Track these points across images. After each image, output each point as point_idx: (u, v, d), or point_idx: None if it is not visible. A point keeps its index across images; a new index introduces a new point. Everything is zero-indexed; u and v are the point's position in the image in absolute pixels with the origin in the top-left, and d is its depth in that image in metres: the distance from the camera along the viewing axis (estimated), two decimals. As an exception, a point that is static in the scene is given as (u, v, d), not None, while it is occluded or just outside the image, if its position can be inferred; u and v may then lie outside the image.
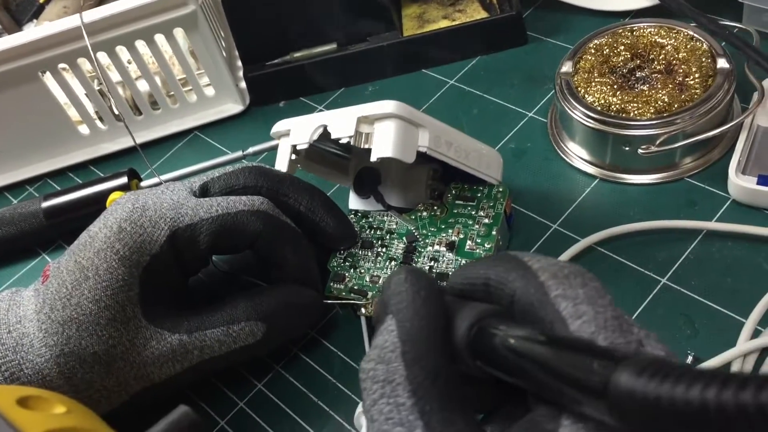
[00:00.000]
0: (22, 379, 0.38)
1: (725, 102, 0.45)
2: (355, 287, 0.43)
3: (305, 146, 0.44)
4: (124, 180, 0.55)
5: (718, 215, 0.44)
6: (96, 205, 0.54)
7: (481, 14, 0.59)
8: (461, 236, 0.43)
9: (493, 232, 0.42)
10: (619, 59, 0.49)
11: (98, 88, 0.60)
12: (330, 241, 0.45)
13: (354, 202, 0.48)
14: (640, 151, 0.45)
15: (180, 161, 0.60)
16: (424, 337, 0.23)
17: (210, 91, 0.62)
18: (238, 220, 0.41)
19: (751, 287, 0.41)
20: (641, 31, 0.50)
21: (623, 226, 0.45)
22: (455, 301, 0.25)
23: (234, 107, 0.62)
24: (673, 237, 0.44)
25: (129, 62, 0.59)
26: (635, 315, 0.41)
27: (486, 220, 0.43)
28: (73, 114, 0.61)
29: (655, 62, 0.48)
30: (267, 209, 0.42)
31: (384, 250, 0.44)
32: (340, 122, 0.42)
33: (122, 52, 0.58)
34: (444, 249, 0.43)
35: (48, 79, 0.59)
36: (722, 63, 0.46)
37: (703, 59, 0.47)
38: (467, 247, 0.42)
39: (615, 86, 0.47)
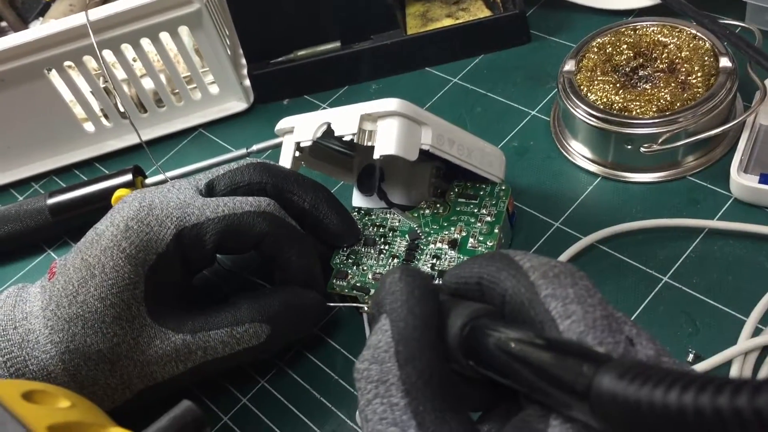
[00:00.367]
0: (27, 375, 0.39)
1: (727, 101, 0.45)
2: (358, 284, 0.44)
3: (309, 143, 0.44)
4: (128, 177, 0.55)
5: (719, 214, 0.44)
6: (101, 202, 0.55)
7: (485, 13, 0.59)
8: (463, 234, 0.43)
9: (495, 231, 0.42)
10: (621, 58, 0.49)
11: (104, 85, 0.61)
12: (333, 238, 0.45)
13: (357, 200, 0.49)
14: (642, 149, 0.45)
15: (184, 159, 0.61)
16: (417, 337, 0.24)
17: (214, 89, 0.62)
18: (245, 220, 0.41)
19: (753, 286, 0.41)
20: (644, 29, 0.50)
21: (625, 224, 0.45)
22: (449, 300, 0.26)
23: (238, 105, 0.62)
24: (674, 235, 0.44)
25: (134, 60, 0.60)
26: (636, 312, 0.41)
27: (488, 219, 0.43)
28: (78, 111, 0.62)
29: (658, 61, 0.48)
30: (273, 210, 0.42)
31: (387, 247, 0.45)
32: (343, 120, 0.42)
33: (127, 50, 0.58)
34: (446, 247, 0.43)
35: (54, 76, 0.59)
36: (725, 62, 0.46)
37: (706, 58, 0.47)
38: (469, 245, 0.43)
39: (617, 85, 0.47)
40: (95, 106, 0.62)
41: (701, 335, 0.40)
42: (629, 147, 0.46)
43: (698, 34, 0.48)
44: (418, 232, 0.44)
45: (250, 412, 0.44)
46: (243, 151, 0.55)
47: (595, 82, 0.48)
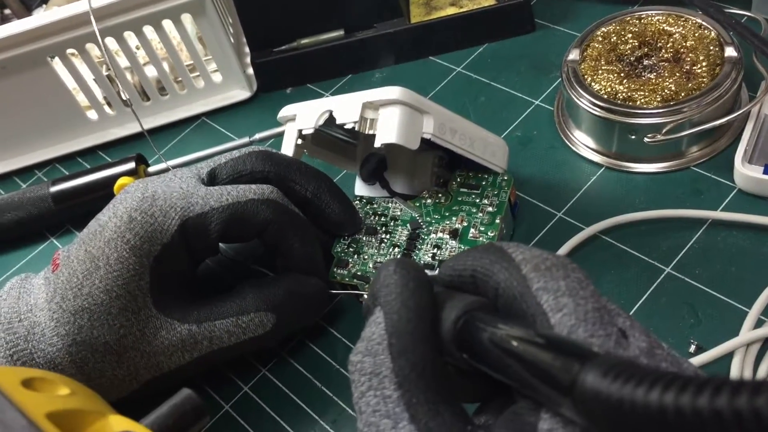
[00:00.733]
0: (33, 368, 0.39)
1: (732, 91, 0.45)
2: (359, 273, 0.44)
3: (311, 131, 0.44)
4: (131, 165, 0.55)
5: (723, 204, 0.44)
6: (104, 190, 0.55)
7: (489, 1, 0.59)
8: (465, 224, 0.43)
9: (497, 221, 0.42)
10: (626, 47, 0.49)
11: (107, 73, 0.61)
12: (335, 227, 0.45)
13: (360, 188, 0.48)
14: (646, 139, 0.45)
15: (187, 147, 0.61)
16: (411, 330, 0.24)
17: (217, 78, 0.62)
18: (248, 209, 0.41)
19: (756, 277, 0.40)
20: (649, 18, 0.49)
21: (628, 214, 0.45)
22: (444, 293, 0.26)
23: (241, 93, 0.62)
24: (678, 226, 0.44)
25: (137, 48, 0.59)
26: (639, 303, 0.41)
27: (490, 209, 0.43)
28: (81, 99, 0.62)
29: (663, 50, 0.48)
30: (276, 198, 0.42)
31: (388, 236, 0.44)
32: (345, 108, 0.42)
33: (130, 37, 0.58)
34: (447, 237, 0.43)
35: (57, 64, 0.59)
36: (730, 51, 0.46)
37: (711, 48, 0.47)
38: (470, 235, 0.42)
39: (622, 74, 0.47)
40: (98, 94, 0.62)
41: (703, 326, 0.40)
42: (633, 137, 0.46)
43: (704, 23, 0.48)
44: (420, 221, 0.44)
45: (252, 400, 0.44)
46: (246, 139, 0.55)
47: (600, 72, 0.48)
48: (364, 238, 0.45)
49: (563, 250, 0.44)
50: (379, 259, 0.44)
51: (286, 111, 0.46)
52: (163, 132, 0.62)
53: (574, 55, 0.49)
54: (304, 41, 0.60)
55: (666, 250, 0.43)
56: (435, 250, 0.43)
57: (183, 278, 0.42)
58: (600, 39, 0.50)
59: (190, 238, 0.40)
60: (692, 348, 0.39)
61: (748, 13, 0.49)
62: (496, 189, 0.44)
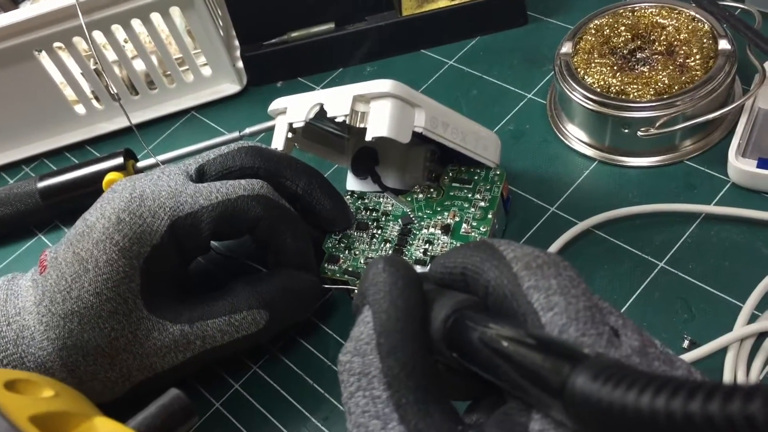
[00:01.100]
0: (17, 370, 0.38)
1: (726, 84, 0.45)
2: (350, 269, 0.43)
3: (301, 124, 0.43)
4: (120, 160, 0.54)
5: (717, 198, 0.44)
6: (92, 186, 0.54)
7: (481, -6, 0.58)
8: (457, 219, 0.43)
9: (489, 216, 0.42)
10: (619, 40, 0.48)
11: (94, 67, 0.60)
12: (326, 223, 0.45)
13: (351, 183, 0.48)
14: (639, 133, 0.45)
15: (177, 141, 0.60)
16: (399, 329, 0.23)
17: (207, 71, 0.61)
18: (239, 205, 0.40)
19: (749, 271, 0.40)
20: (642, 11, 0.49)
21: (621, 209, 0.44)
22: (434, 291, 0.25)
23: (231, 87, 0.62)
24: (671, 220, 0.44)
25: (125, 41, 0.59)
26: (632, 299, 0.41)
27: (482, 204, 0.43)
28: (69, 93, 0.61)
29: (656, 43, 0.48)
30: (267, 193, 0.41)
31: (379, 231, 0.44)
32: (336, 101, 0.42)
33: (118, 31, 0.57)
34: (439, 232, 0.42)
35: (44, 57, 0.58)
36: (723, 44, 0.46)
37: (705, 40, 0.46)
38: (462, 230, 0.42)
39: (615, 67, 0.47)
40: (86, 88, 0.61)
41: (697, 321, 0.39)
42: (626, 131, 0.45)
43: (697, 15, 0.48)
44: (411, 216, 0.44)
45: (243, 398, 0.43)
46: (236, 134, 0.54)
47: (593, 65, 0.47)
48: (355, 234, 0.44)
49: (556, 245, 0.44)
50: (370, 255, 0.43)
51: (276, 104, 0.46)
52: (152, 126, 0.62)
53: (566, 48, 0.49)
54: (295, 34, 0.60)
55: (659, 245, 0.43)
56: (427, 246, 0.42)
57: (174, 278, 0.41)
58: (593, 32, 0.49)
59: (181, 238, 0.40)
60: (686, 343, 0.39)
61: (742, 6, 0.49)
62: (488, 184, 0.43)
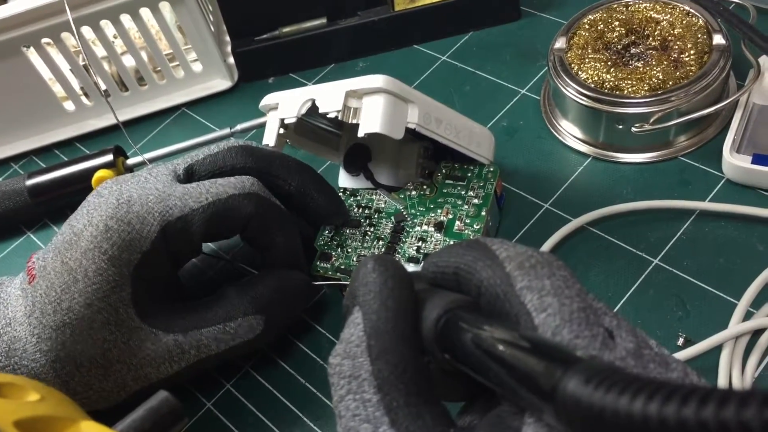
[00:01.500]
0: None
1: (721, 79, 0.44)
2: (342, 267, 0.43)
3: (293, 120, 0.43)
4: (109, 157, 0.54)
5: (711, 195, 0.44)
6: (82, 183, 0.53)
7: (474, -12, 0.58)
8: (450, 217, 0.42)
9: (483, 213, 0.42)
10: (613, 35, 0.48)
11: (83, 63, 0.59)
12: (321, 219, 0.44)
13: (344, 180, 0.48)
14: (633, 129, 0.44)
15: (167, 138, 0.59)
16: (389, 330, 0.23)
17: (197, 67, 0.60)
18: (230, 205, 0.39)
19: (744, 268, 0.40)
20: (636, 6, 0.49)
21: (616, 205, 0.44)
22: (426, 291, 0.25)
23: (222, 83, 0.61)
24: (666, 217, 0.43)
25: (115, 37, 0.58)
26: (626, 296, 0.41)
27: (475, 201, 0.42)
28: (57, 90, 0.60)
29: (650, 38, 0.47)
30: (258, 191, 0.40)
31: (372, 229, 0.44)
32: (328, 96, 0.41)
33: (107, 26, 0.56)
34: (432, 229, 0.42)
35: (32, 54, 0.58)
36: (718, 39, 0.45)
37: (699, 35, 0.46)
38: (456, 227, 0.42)
39: (609, 63, 0.46)
40: (75, 84, 0.60)
41: (691, 319, 0.39)
42: (620, 127, 0.45)
43: (691, 10, 0.47)
44: (404, 214, 0.43)
45: (235, 398, 0.43)
46: (227, 130, 0.54)
47: (586, 60, 0.47)
48: (347, 231, 0.44)
49: (550, 242, 0.43)
50: (362, 252, 0.43)
51: (268, 99, 0.45)
52: (142, 123, 0.61)
53: (560, 43, 0.49)
54: (286, 29, 0.59)
55: (654, 242, 0.43)
56: (420, 243, 0.42)
57: (166, 283, 0.41)
58: (587, 27, 0.49)
59: (172, 243, 0.39)
60: (680, 341, 0.38)
61: (736, 0, 0.49)
62: (481, 181, 0.43)
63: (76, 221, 0.39)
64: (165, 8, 0.56)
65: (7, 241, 0.56)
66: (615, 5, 0.49)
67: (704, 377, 0.22)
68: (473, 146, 0.43)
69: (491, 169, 0.43)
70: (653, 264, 0.42)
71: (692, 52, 0.45)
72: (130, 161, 0.55)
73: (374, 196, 0.45)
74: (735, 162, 0.43)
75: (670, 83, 0.44)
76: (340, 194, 0.46)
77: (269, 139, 0.44)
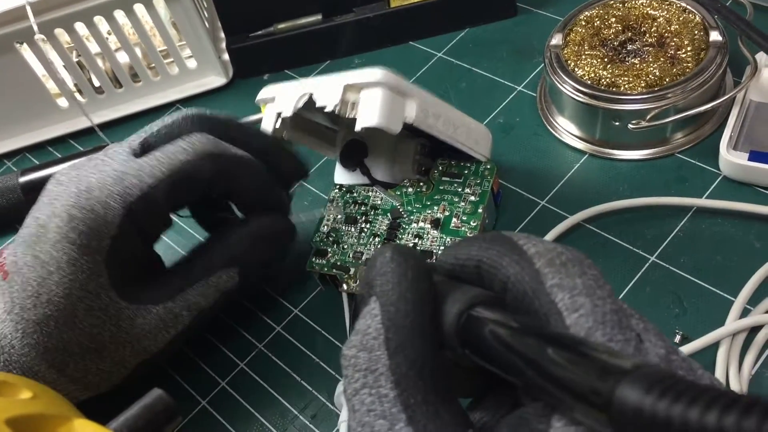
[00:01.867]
0: None
1: (717, 76, 0.44)
2: (338, 263, 0.43)
3: (289, 114, 0.43)
4: (103, 154, 0.53)
5: (708, 192, 0.44)
6: (75, 180, 0.53)
7: (470, -15, 0.57)
8: (447, 214, 0.42)
9: (479, 210, 0.41)
10: (610, 31, 0.48)
11: (77, 60, 0.59)
12: (284, 177, 0.44)
13: (340, 176, 0.47)
14: (630, 126, 0.44)
15: (162, 135, 0.59)
16: (409, 323, 0.22)
17: (192, 63, 0.60)
18: (187, 170, 0.38)
19: (741, 265, 0.40)
20: (633, 2, 0.48)
21: (612, 202, 0.44)
22: (445, 283, 0.24)
23: (217, 80, 0.61)
24: (662, 214, 0.43)
25: (109, 33, 0.58)
26: (623, 293, 0.41)
27: (472, 198, 0.42)
28: (51, 86, 0.60)
29: (647, 35, 0.47)
30: (211, 148, 0.40)
31: (368, 226, 0.43)
32: (326, 90, 0.41)
33: (101, 22, 0.56)
34: (429, 226, 0.42)
35: (25, 50, 0.57)
36: (715, 36, 0.45)
37: (696, 32, 0.46)
38: (452, 224, 0.41)
39: (605, 59, 0.46)
40: (69, 81, 0.60)
41: (688, 316, 0.39)
42: (617, 123, 0.45)
43: (688, 7, 0.47)
44: (401, 210, 0.43)
45: (229, 395, 0.43)
46: (221, 127, 0.54)
47: (583, 57, 0.47)
48: (343, 228, 0.44)
49: (546, 240, 0.43)
50: (358, 249, 0.43)
51: (265, 93, 0.45)
52: (136, 120, 0.61)
53: (556, 39, 0.48)
54: (281, 26, 0.59)
55: (650, 239, 0.42)
56: (416, 240, 0.42)
57: (143, 259, 0.40)
58: (583, 23, 0.49)
59: (139, 222, 0.38)
60: (677, 338, 0.38)
61: (733, -3, 0.48)
62: (478, 178, 0.43)
63: (39, 213, 0.38)
64: (159, 4, 0.56)
65: (0, 239, 0.56)
66: (611, 2, 0.49)
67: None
68: (471, 143, 0.43)
69: (488, 167, 0.43)
70: (650, 261, 0.42)
71: (689, 48, 0.45)
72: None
73: (370, 193, 0.45)
74: (732, 159, 0.43)
75: (667, 80, 0.44)
76: (336, 191, 0.46)
77: (266, 130, 0.44)
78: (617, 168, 0.46)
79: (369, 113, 0.39)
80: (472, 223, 0.41)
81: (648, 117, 0.44)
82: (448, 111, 0.42)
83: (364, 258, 0.42)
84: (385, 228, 0.43)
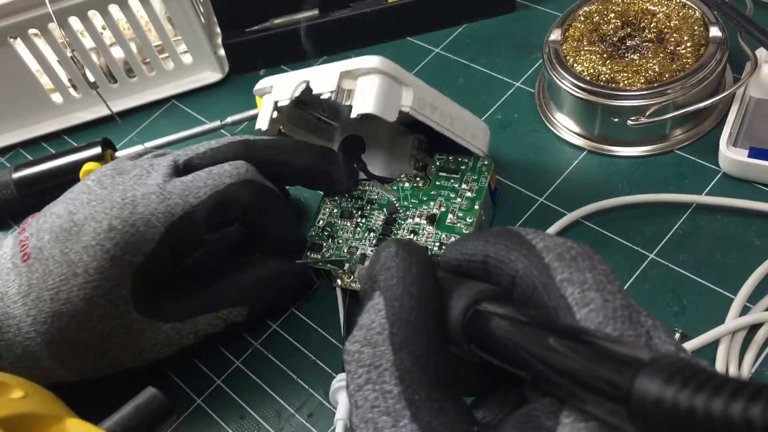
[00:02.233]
0: (10, 359, 0.38)
1: (717, 72, 0.44)
2: (332, 257, 0.42)
3: (287, 103, 0.42)
4: (97, 150, 0.53)
5: (708, 188, 0.43)
6: (69, 176, 0.53)
7: (468, -20, 0.57)
8: (443, 209, 0.42)
9: (476, 207, 0.41)
10: (609, 27, 0.47)
11: (71, 54, 0.58)
12: (332, 190, 0.45)
13: None
14: (629, 122, 0.44)
15: (157, 131, 0.58)
16: (414, 319, 0.22)
17: (188, 59, 0.60)
18: (229, 194, 0.39)
19: (741, 263, 0.40)
20: (632, -3, 0.48)
21: (611, 199, 0.43)
22: (450, 279, 0.23)
23: (212, 75, 0.60)
24: (661, 211, 0.43)
25: (103, 28, 0.57)
26: (622, 291, 0.40)
27: (469, 194, 0.42)
28: (45, 82, 0.59)
29: (646, 30, 0.47)
30: (253, 177, 0.41)
31: (363, 220, 0.43)
32: (322, 78, 0.41)
33: (95, 17, 0.55)
34: (424, 222, 0.41)
35: (18, 45, 0.57)
36: (715, 31, 0.45)
37: (696, 27, 0.45)
38: (448, 221, 0.41)
39: (605, 55, 0.46)
40: (63, 76, 0.59)
41: (688, 314, 0.39)
42: (616, 120, 0.45)
43: (688, 2, 0.47)
44: (397, 206, 0.43)
45: (225, 393, 0.42)
46: (217, 123, 0.53)
47: (582, 53, 0.46)
48: (339, 222, 0.43)
49: (545, 237, 0.43)
50: (353, 244, 0.42)
51: (262, 83, 0.45)
52: (131, 115, 0.60)
53: (555, 35, 0.48)
54: (278, 21, 0.58)
55: (649, 236, 0.42)
56: (412, 236, 0.41)
57: (167, 275, 0.41)
58: (582, 19, 0.48)
59: (176, 241, 0.39)
60: (677, 336, 0.38)
61: (733, -8, 0.48)
62: (475, 174, 0.42)
63: (77, 210, 0.38)
64: (154, -1, 0.55)
65: (-7, 235, 0.55)
66: (610, -3, 0.49)
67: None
68: (468, 136, 0.43)
69: (485, 162, 0.43)
70: (649, 258, 0.41)
71: (689, 44, 0.45)
72: (119, 153, 0.54)
73: (367, 188, 0.44)
74: (731, 155, 0.42)
75: (667, 76, 0.44)
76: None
77: (262, 123, 0.44)
78: (616, 165, 0.46)
79: (365, 100, 0.39)
80: (468, 219, 0.41)
81: (647, 113, 0.43)
82: (445, 103, 0.42)
83: (359, 253, 0.42)
84: (380, 223, 0.43)
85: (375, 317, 0.22)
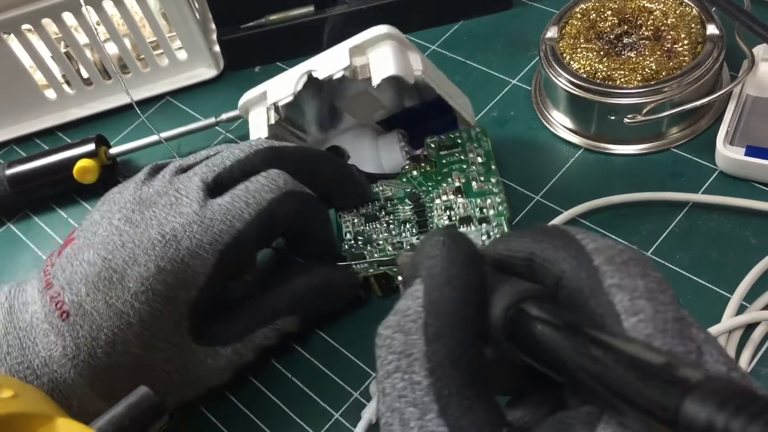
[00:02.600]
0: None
1: (714, 70, 0.44)
2: (381, 257, 0.42)
3: (290, 99, 0.42)
4: (91, 147, 0.53)
5: (704, 187, 0.43)
6: (62, 173, 0.52)
7: (464, -23, 0.57)
8: (463, 180, 0.43)
9: (492, 167, 0.42)
10: (606, 24, 0.47)
11: (65, 50, 0.58)
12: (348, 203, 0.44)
13: None
14: (626, 120, 0.44)
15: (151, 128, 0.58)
16: (452, 311, 0.21)
17: (182, 55, 0.59)
18: (273, 211, 0.38)
19: (738, 261, 0.39)
20: (629, -5, 0.48)
21: (607, 197, 0.43)
22: (494, 274, 0.22)
23: (207, 72, 0.60)
24: (658, 209, 0.43)
25: (97, 24, 0.57)
26: (618, 289, 0.40)
27: (480, 159, 0.43)
28: (39, 78, 0.59)
29: (643, 28, 0.47)
30: (292, 187, 0.39)
31: (392, 217, 0.43)
32: (328, 61, 0.41)
33: (89, 12, 0.55)
34: (453, 196, 0.42)
35: (12, 40, 0.56)
36: (712, 29, 0.45)
37: (693, 25, 0.45)
38: (475, 187, 0.42)
39: (601, 53, 0.46)
40: (56, 72, 0.59)
41: (684, 313, 0.39)
42: (613, 117, 0.44)
43: (685, 0, 0.47)
44: (417, 192, 0.43)
45: (219, 392, 0.42)
46: (212, 120, 0.53)
47: (578, 50, 0.46)
48: (367, 228, 0.43)
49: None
50: (395, 240, 0.42)
51: (248, 96, 0.44)
52: (125, 112, 0.60)
53: (552, 32, 0.48)
54: (273, 17, 0.58)
55: (646, 234, 0.42)
56: (449, 212, 0.42)
57: (221, 300, 0.40)
58: (579, 16, 0.48)
59: (228, 268, 0.37)
60: (673, 335, 0.38)
61: (730, -10, 0.48)
62: (475, 142, 0.44)
63: (110, 254, 0.36)
64: (149, -6, 0.55)
65: (-14, 232, 0.55)
66: (607, -6, 0.48)
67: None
68: (458, 107, 0.44)
69: (478, 129, 0.44)
70: (645, 257, 0.41)
71: (685, 42, 0.45)
72: (113, 150, 0.54)
73: (378, 188, 0.44)
74: (728, 154, 0.42)
75: (663, 74, 0.44)
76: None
77: (260, 132, 0.43)
78: (612, 163, 0.46)
79: (383, 65, 0.39)
80: (492, 179, 0.42)
81: (644, 111, 0.43)
82: (437, 72, 0.43)
83: (405, 245, 0.42)
84: (410, 213, 0.42)
85: (411, 304, 0.21)
